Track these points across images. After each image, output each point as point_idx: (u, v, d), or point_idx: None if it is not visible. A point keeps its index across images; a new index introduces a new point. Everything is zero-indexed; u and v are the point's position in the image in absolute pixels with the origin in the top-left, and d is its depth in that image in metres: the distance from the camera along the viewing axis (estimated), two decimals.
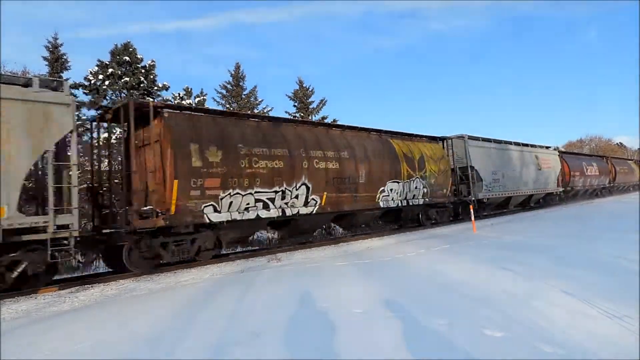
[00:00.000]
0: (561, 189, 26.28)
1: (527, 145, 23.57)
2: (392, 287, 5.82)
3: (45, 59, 20.32)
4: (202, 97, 24.89)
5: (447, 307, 4.65)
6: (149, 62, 22.30)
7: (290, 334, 4.04)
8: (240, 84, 27.47)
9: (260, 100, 27.47)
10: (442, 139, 17.82)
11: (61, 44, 20.78)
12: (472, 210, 14.57)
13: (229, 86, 27.25)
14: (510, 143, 21.99)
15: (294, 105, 28.74)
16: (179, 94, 23.72)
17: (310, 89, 28.98)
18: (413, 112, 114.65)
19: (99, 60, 21.02)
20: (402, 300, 5.04)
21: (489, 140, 20.38)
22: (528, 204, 23.93)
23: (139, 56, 21.83)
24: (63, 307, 6.35)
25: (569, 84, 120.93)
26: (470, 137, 18.90)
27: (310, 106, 28.71)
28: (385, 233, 14.61)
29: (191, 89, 24.52)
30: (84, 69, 23.42)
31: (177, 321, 4.87)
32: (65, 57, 20.71)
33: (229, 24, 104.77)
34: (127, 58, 21.35)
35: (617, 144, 75.74)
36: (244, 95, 27.21)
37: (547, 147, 26.61)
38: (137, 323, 4.93)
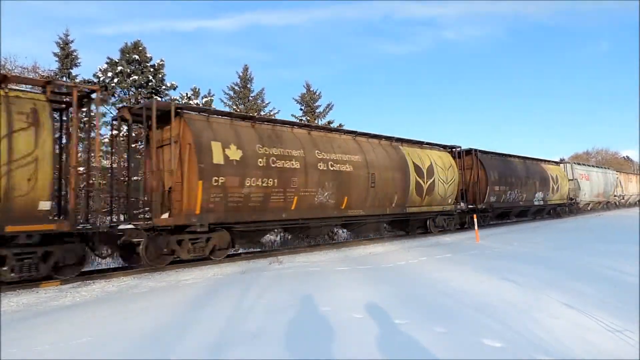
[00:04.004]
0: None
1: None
2: (392, 294, 5.80)
3: (55, 54, 20.48)
4: (209, 98, 25.00)
5: (447, 315, 4.64)
6: (158, 61, 22.45)
7: (290, 337, 4.05)
8: (248, 85, 27.55)
9: (267, 102, 27.57)
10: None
11: (72, 41, 20.94)
12: (475, 220, 14.51)
13: (236, 87, 27.35)
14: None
15: (301, 109, 28.81)
16: (187, 93, 23.84)
17: (317, 93, 29.04)
18: (420, 119, 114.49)
19: (108, 58, 21.19)
20: (402, 306, 5.03)
21: None
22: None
23: (148, 55, 21.99)
24: (64, 302, 6.38)
25: (578, 96, 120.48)
26: None
27: (317, 110, 28.76)
28: (387, 239, 14.59)
29: (199, 89, 24.64)
30: (95, 66, 23.50)
31: (177, 320, 4.89)
32: (75, 53, 20.86)
33: (245, 25, 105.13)
34: (137, 56, 21.51)
35: (623, 157, 75.29)
36: (251, 97, 27.29)
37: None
38: (138, 320, 4.95)
